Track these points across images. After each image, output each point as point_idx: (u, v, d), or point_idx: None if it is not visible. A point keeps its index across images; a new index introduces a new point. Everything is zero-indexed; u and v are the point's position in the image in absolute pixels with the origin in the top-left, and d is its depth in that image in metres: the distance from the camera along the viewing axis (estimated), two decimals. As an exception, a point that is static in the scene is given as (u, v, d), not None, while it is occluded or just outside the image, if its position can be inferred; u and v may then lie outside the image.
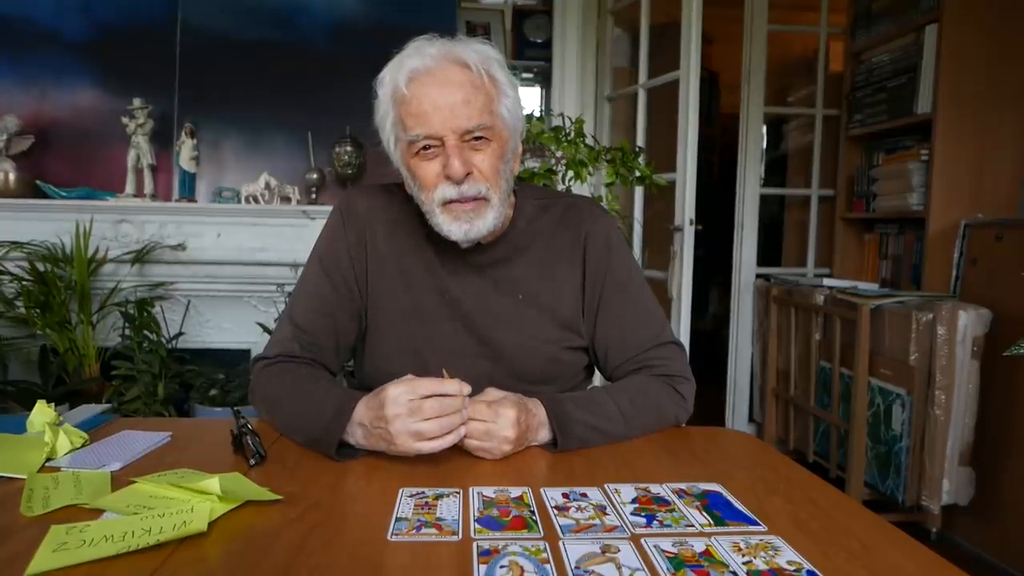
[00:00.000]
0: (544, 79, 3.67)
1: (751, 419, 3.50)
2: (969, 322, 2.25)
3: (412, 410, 0.87)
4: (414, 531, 0.72)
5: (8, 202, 2.85)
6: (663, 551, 0.69)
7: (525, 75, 3.69)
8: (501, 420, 0.93)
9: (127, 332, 2.75)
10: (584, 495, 0.83)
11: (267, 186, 2.99)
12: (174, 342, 2.90)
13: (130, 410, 2.62)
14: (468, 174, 1.02)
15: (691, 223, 2.66)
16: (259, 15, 3.17)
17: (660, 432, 1.10)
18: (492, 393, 0.98)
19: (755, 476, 0.92)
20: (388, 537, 0.71)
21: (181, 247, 2.96)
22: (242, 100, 3.16)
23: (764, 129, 3.56)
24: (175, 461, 0.91)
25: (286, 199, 3.04)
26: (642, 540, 0.71)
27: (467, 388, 0.91)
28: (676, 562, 0.67)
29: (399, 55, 1.04)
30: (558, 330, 1.16)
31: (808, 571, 0.65)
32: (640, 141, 3.05)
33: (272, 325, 1.05)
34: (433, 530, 0.73)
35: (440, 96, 0.99)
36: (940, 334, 2.26)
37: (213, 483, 0.77)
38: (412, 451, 0.88)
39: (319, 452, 0.95)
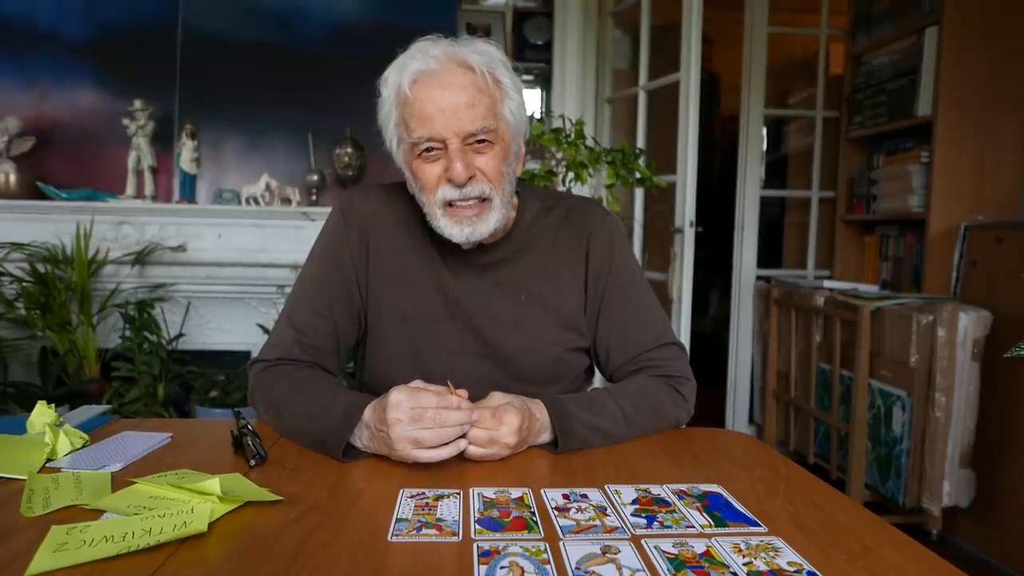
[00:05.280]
0: (544, 81, 3.67)
1: (751, 421, 3.50)
2: (969, 324, 2.25)
3: (413, 417, 0.88)
4: (414, 532, 0.72)
5: (9, 203, 2.85)
6: (664, 552, 0.69)
7: (525, 77, 3.70)
8: (504, 428, 0.93)
9: (127, 333, 2.75)
10: (584, 496, 0.83)
11: (267, 187, 3.00)
12: (174, 343, 2.91)
13: (130, 411, 2.63)
14: (471, 177, 1.02)
15: (691, 225, 2.66)
16: (260, 17, 3.17)
17: (660, 433, 1.10)
18: (496, 398, 0.97)
19: (755, 477, 0.92)
20: (389, 538, 0.71)
21: (181, 248, 2.97)
22: (243, 101, 3.16)
23: (764, 131, 3.56)
24: (175, 462, 0.91)
25: (286, 200, 3.04)
26: (642, 541, 0.71)
27: (467, 404, 0.91)
28: (677, 563, 0.67)
29: (403, 56, 1.04)
30: (561, 331, 1.16)
31: (808, 572, 0.65)
32: (640, 143, 3.05)
33: (272, 326, 1.04)
34: (433, 531, 0.73)
35: (443, 99, 0.99)
36: (940, 336, 2.26)
37: (213, 484, 0.77)
38: (410, 458, 0.89)
39: (324, 453, 0.95)
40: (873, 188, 3.01)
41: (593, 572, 0.65)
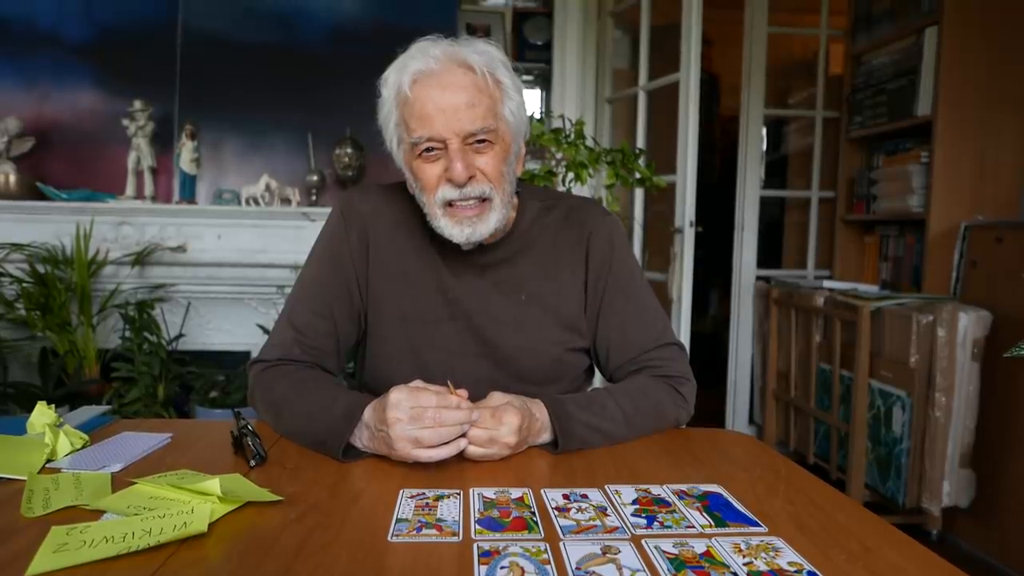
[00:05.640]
0: (544, 81, 3.67)
1: (751, 421, 3.50)
2: (969, 324, 2.25)
3: (413, 416, 0.88)
4: (415, 532, 0.72)
5: (9, 204, 2.85)
6: (664, 552, 0.69)
7: (525, 77, 3.69)
8: (504, 428, 0.93)
9: (127, 334, 2.75)
10: (585, 496, 0.83)
11: (267, 188, 3.00)
12: (174, 344, 2.91)
13: (130, 412, 2.63)
14: (471, 177, 1.02)
15: (691, 225, 2.66)
16: (260, 17, 3.17)
17: (660, 433, 1.10)
18: (496, 398, 0.98)
19: (755, 477, 0.92)
20: (389, 538, 0.71)
21: (181, 249, 2.97)
22: (242, 102, 3.16)
23: (764, 131, 3.56)
24: (175, 462, 0.91)
25: (286, 201, 3.04)
26: (643, 541, 0.71)
27: (466, 404, 0.91)
28: (677, 563, 0.67)
29: (403, 56, 1.04)
30: (561, 331, 1.16)
31: (809, 572, 0.65)
32: (640, 143, 3.05)
33: (272, 327, 1.05)
34: (434, 531, 0.73)
35: (443, 99, 0.99)
36: (940, 336, 2.26)
37: (213, 484, 0.77)
38: (410, 457, 0.89)
39: (324, 454, 0.95)
40: (873, 188, 3.01)
41: (593, 572, 0.65)
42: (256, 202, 3.00)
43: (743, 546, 0.70)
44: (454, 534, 0.72)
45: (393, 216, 1.16)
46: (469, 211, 1.04)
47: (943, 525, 2.38)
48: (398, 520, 0.75)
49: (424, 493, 0.83)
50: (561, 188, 2.51)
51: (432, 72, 1.00)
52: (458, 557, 0.67)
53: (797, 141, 3.84)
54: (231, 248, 2.99)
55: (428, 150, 1.02)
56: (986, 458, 2.29)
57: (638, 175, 2.53)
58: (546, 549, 0.69)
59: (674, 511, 0.79)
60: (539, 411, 0.99)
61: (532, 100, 3.81)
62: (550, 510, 0.79)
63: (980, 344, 2.27)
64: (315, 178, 3.11)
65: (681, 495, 0.84)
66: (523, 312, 1.14)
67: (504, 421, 0.93)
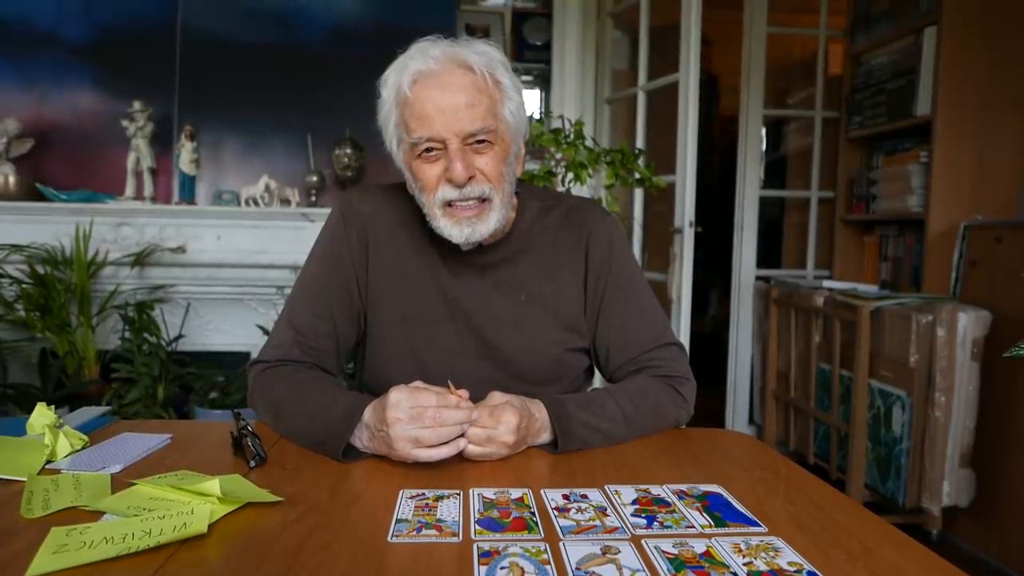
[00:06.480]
0: (544, 81, 3.67)
1: (751, 421, 3.50)
2: (969, 324, 2.25)
3: (413, 416, 0.88)
4: (415, 532, 0.72)
5: (8, 205, 2.85)
6: (664, 552, 0.69)
7: (525, 77, 3.69)
8: (502, 427, 0.93)
9: (127, 335, 2.75)
10: (584, 496, 0.83)
11: (267, 188, 3.00)
12: (174, 344, 2.91)
13: (130, 412, 2.63)
14: (471, 177, 1.02)
15: (691, 225, 2.66)
16: (259, 17, 3.17)
17: (660, 433, 1.10)
18: (495, 398, 0.98)
19: (755, 477, 0.92)
20: (388, 539, 0.71)
21: (181, 250, 2.97)
22: (242, 102, 3.16)
23: (763, 131, 3.56)
24: (175, 463, 0.91)
25: (286, 201, 3.04)
26: (643, 541, 0.71)
27: (466, 404, 0.91)
28: (677, 563, 0.67)
29: (403, 56, 1.04)
30: (561, 331, 1.16)
31: (809, 572, 0.65)
32: (640, 143, 3.05)
33: (272, 327, 1.06)
34: (433, 531, 0.73)
35: (443, 99, 0.99)
36: (940, 336, 2.26)
37: (213, 485, 0.77)
38: (410, 457, 0.89)
39: (324, 454, 0.95)
40: (872, 188, 3.01)
41: (593, 572, 0.65)
42: (256, 203, 3.00)
43: (743, 546, 0.70)
44: (454, 534, 0.72)
45: (393, 216, 1.16)
46: (468, 211, 1.04)
47: (943, 525, 2.38)
48: (398, 520, 0.75)
49: (424, 493, 0.83)
50: (561, 188, 2.51)
51: (432, 72, 1.00)
52: (458, 557, 0.67)
53: (796, 141, 3.84)
54: (231, 249, 2.99)
55: (428, 150, 1.02)
56: (986, 458, 2.29)
57: (638, 175, 2.53)
58: (546, 549, 0.69)
59: (674, 511, 0.79)
60: (538, 411, 0.99)
61: (532, 100, 3.81)
62: (550, 510, 0.79)
63: (980, 344, 2.27)
64: (315, 179, 3.11)
65: (681, 495, 0.84)
66: (523, 312, 1.14)
67: (502, 420, 0.93)
